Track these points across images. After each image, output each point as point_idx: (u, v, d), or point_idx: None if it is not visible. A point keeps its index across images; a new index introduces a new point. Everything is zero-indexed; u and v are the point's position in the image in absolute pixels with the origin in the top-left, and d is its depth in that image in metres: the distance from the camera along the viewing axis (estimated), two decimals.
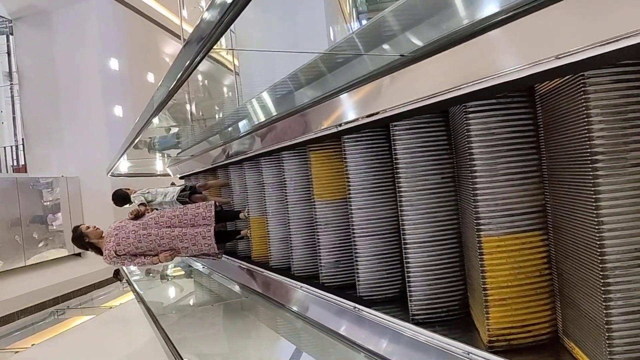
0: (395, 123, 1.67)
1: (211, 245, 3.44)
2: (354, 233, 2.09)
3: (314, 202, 2.47)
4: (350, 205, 2.07)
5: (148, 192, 3.91)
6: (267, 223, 3.19)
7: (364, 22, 3.19)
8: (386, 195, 2.06)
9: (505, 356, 1.36)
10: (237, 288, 3.75)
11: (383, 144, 2.03)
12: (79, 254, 10.11)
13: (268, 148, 2.92)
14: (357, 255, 2.10)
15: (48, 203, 9.72)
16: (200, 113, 4.62)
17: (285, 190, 2.86)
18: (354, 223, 2.08)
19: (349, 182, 2.06)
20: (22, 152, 11.34)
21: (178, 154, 6.00)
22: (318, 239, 2.47)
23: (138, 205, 3.68)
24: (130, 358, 3.99)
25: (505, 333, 1.41)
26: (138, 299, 4.16)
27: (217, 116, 3.64)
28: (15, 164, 11.66)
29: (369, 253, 2.08)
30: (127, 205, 4.15)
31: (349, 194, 2.07)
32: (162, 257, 3.58)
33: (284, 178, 2.85)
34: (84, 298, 8.09)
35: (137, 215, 3.60)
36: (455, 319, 1.73)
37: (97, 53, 10.18)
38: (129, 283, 5.13)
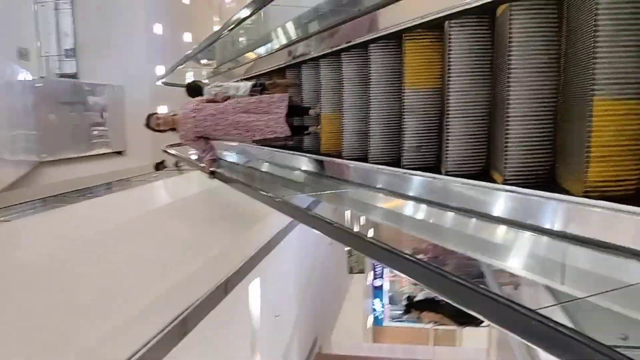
0: (514, 3, 1.83)
1: (284, 128, 3.73)
2: (448, 114, 2.31)
3: (403, 90, 2.67)
4: (449, 89, 2.28)
5: (222, 85, 4.15)
6: (342, 117, 3.42)
7: None
8: (482, 79, 2.26)
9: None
10: (297, 173, 4.12)
11: (486, 30, 2.19)
12: (120, 152, 10.99)
13: (354, 41, 3.07)
14: (448, 135, 2.34)
15: (97, 105, 10.45)
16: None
17: (365, 83, 3.07)
18: (450, 105, 2.30)
19: (450, 66, 2.25)
20: (64, 61, 12.15)
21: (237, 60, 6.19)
22: (403, 124, 2.71)
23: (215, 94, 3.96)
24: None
25: (600, 185, 1.67)
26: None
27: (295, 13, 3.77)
28: (59, 71, 12.40)
29: (460, 133, 2.33)
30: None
31: (449, 77, 2.27)
32: (208, 162, 3.99)
33: (366, 71, 3.04)
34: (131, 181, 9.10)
35: (212, 100, 3.90)
36: (543, 184, 2.00)
37: None
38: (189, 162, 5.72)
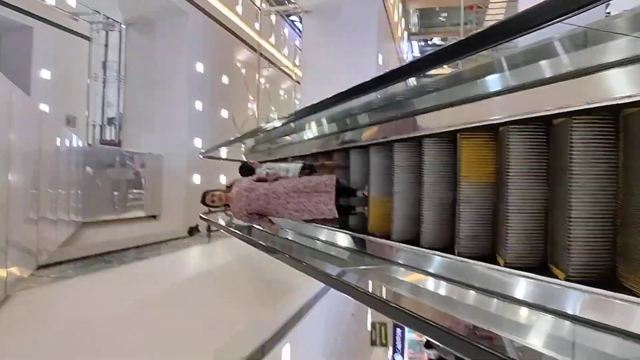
0: (575, 117, 2.06)
1: (332, 210, 3.93)
2: (507, 209, 2.48)
3: (458, 183, 2.87)
4: (507, 186, 2.47)
5: (273, 167, 4.44)
6: (393, 201, 3.60)
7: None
8: (538, 180, 2.45)
9: None
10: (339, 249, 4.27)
11: (542, 136, 2.42)
12: (154, 216, 11.42)
13: (409, 135, 3.34)
14: (507, 228, 2.49)
15: (136, 172, 11.04)
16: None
17: (416, 171, 3.30)
18: (509, 201, 2.47)
19: (508, 165, 2.46)
20: (107, 129, 13.29)
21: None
22: (459, 215, 2.87)
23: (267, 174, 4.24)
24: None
25: None
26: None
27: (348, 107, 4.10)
28: (100, 138, 13.38)
29: (518, 227, 2.48)
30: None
31: (507, 176, 2.46)
32: (273, 229, 4.19)
33: (417, 160, 3.28)
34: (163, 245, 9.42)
35: (263, 179, 4.17)
36: (605, 282, 2.10)
37: (187, 57, 12.23)
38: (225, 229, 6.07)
